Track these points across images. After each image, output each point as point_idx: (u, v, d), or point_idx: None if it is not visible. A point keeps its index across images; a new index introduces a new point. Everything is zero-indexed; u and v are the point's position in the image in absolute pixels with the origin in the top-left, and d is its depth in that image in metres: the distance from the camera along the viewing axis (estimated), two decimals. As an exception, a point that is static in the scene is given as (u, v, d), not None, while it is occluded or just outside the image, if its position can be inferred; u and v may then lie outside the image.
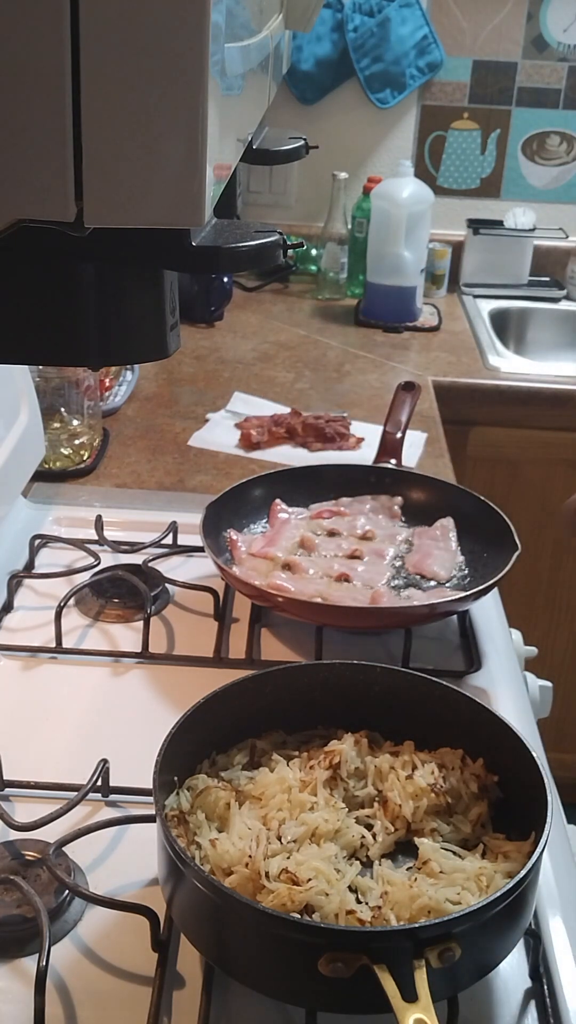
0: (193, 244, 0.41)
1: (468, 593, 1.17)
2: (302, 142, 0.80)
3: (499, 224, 2.72)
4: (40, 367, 1.53)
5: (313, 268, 2.71)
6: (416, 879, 0.80)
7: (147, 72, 0.32)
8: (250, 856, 0.79)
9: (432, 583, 1.28)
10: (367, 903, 0.79)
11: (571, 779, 1.80)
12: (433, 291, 2.69)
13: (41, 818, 0.90)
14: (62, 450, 1.61)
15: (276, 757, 0.92)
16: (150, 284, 0.44)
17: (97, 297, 0.44)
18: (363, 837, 0.86)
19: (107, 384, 1.87)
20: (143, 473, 1.66)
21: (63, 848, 0.88)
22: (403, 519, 1.40)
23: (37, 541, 1.37)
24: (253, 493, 1.39)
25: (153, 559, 1.32)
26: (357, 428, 1.83)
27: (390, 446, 1.47)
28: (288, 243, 0.45)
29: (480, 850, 0.85)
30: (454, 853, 0.84)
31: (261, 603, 1.21)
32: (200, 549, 1.31)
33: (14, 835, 0.91)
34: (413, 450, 1.74)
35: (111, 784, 0.97)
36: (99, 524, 1.40)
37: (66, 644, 1.19)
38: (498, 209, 2.78)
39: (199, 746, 0.91)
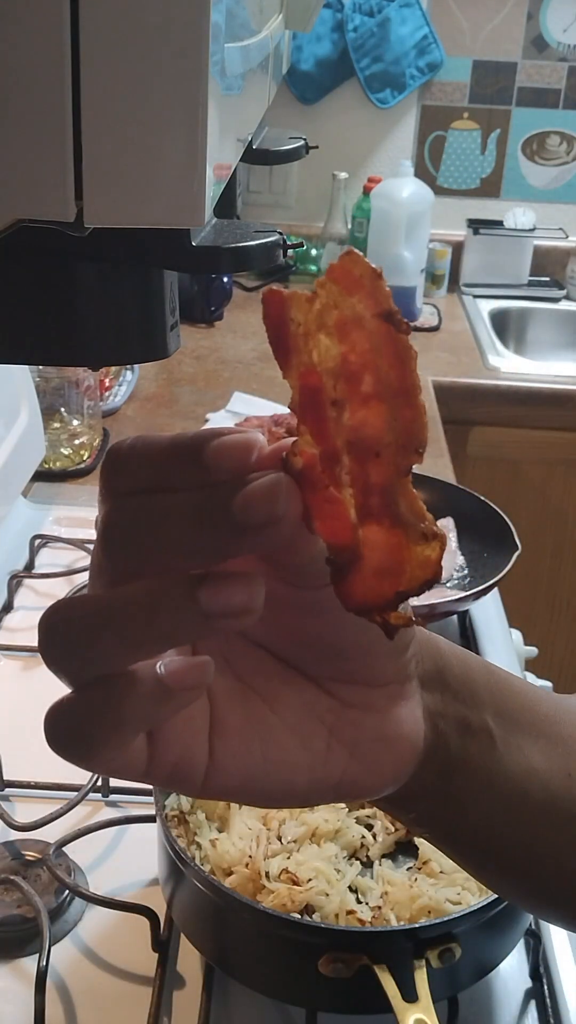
0: (193, 244, 0.41)
1: (468, 593, 1.17)
2: (302, 142, 0.80)
3: (499, 224, 2.72)
4: (40, 367, 1.53)
5: (313, 268, 2.71)
6: (416, 879, 0.80)
7: (147, 72, 0.32)
8: (250, 856, 0.79)
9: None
10: (367, 903, 0.79)
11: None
12: (433, 291, 2.69)
13: (41, 818, 0.90)
14: (62, 450, 1.61)
15: (276, 757, 0.92)
16: (150, 284, 0.44)
17: (97, 297, 0.43)
18: (363, 837, 0.86)
19: (107, 384, 1.87)
20: (143, 473, 1.65)
21: (63, 848, 0.88)
22: (403, 519, 1.40)
23: (37, 541, 1.37)
24: (253, 493, 1.39)
25: (153, 559, 1.32)
26: (357, 428, 1.83)
27: (390, 446, 1.47)
28: (288, 243, 0.45)
29: (480, 850, 0.85)
30: (454, 853, 0.84)
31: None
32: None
33: (14, 835, 0.91)
34: (413, 450, 1.74)
35: (111, 784, 0.97)
36: (99, 524, 1.40)
37: (66, 644, 1.19)
38: (498, 209, 2.78)
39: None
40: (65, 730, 0.35)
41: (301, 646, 0.41)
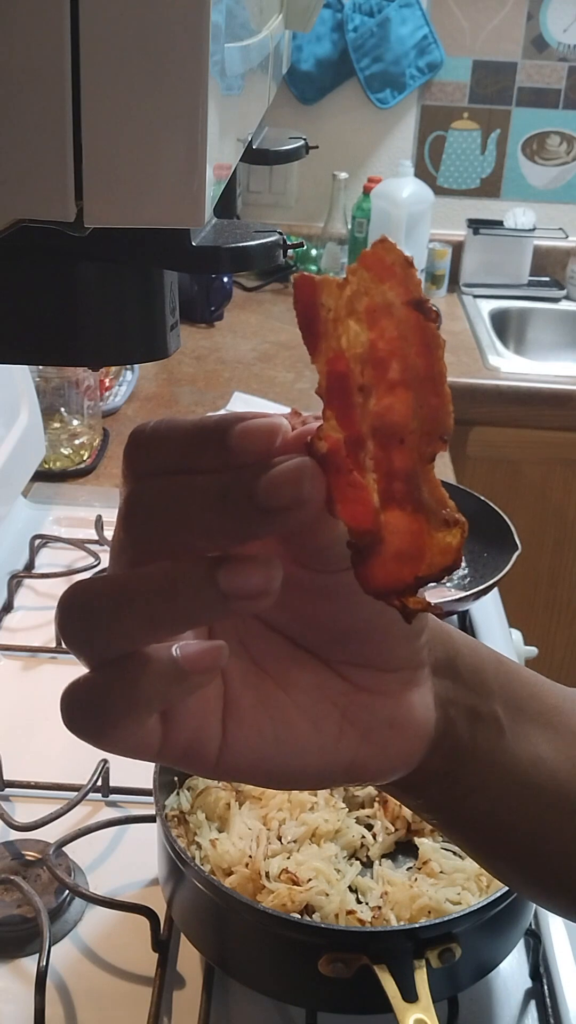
0: (193, 244, 0.41)
1: (468, 593, 1.17)
2: (302, 142, 0.80)
3: (499, 224, 2.72)
4: (40, 367, 1.53)
5: (313, 268, 2.71)
6: (416, 879, 0.80)
7: (147, 72, 0.32)
8: (250, 856, 0.79)
9: (432, 583, 1.27)
10: (367, 903, 0.79)
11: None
12: (433, 291, 2.69)
13: (41, 818, 0.90)
14: (62, 450, 1.61)
15: (276, 757, 0.92)
16: (150, 284, 0.44)
17: (97, 297, 0.43)
18: (363, 837, 0.86)
19: (107, 384, 1.87)
20: (143, 473, 1.65)
21: (63, 848, 0.88)
22: (403, 519, 1.40)
23: (37, 541, 1.37)
24: (253, 493, 1.39)
25: (153, 559, 1.32)
26: (357, 428, 1.83)
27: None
28: (288, 243, 0.45)
29: (480, 850, 0.85)
30: (454, 853, 0.84)
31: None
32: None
33: (14, 835, 0.91)
34: (413, 450, 1.74)
35: (111, 784, 0.97)
36: (99, 524, 1.40)
37: (66, 644, 1.19)
38: (498, 209, 2.78)
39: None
40: (80, 708, 0.36)
41: (316, 630, 0.42)
